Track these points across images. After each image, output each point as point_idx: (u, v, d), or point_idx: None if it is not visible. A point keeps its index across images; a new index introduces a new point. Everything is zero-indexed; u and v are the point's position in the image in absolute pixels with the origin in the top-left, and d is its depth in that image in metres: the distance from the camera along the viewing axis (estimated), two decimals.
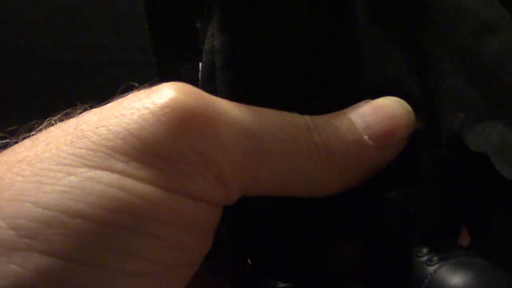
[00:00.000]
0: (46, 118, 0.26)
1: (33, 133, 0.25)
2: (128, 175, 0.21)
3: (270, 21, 0.25)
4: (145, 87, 0.23)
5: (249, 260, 0.27)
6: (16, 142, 0.24)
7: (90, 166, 0.20)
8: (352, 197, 0.25)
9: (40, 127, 0.26)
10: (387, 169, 0.24)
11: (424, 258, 0.22)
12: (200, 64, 0.26)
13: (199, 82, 0.26)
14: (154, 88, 0.22)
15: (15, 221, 0.19)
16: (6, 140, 0.26)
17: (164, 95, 0.22)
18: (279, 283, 0.26)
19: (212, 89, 0.25)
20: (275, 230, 0.26)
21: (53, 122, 0.25)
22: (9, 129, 0.26)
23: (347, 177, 0.24)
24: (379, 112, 0.24)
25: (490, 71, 0.24)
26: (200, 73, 0.26)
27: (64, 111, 0.26)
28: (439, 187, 0.24)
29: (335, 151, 0.23)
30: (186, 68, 0.27)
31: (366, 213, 0.25)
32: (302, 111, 0.24)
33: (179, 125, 0.21)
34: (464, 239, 0.24)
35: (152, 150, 0.21)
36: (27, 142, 0.23)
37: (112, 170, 0.20)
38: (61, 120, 0.25)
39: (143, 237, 0.20)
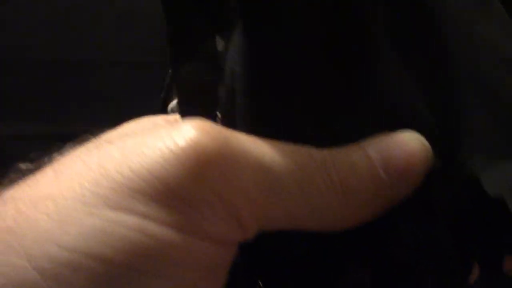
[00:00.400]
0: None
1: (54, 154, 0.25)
2: (149, 217, 0.21)
3: (291, 50, 0.25)
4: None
5: (260, 283, 0.27)
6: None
7: (112, 207, 0.21)
8: (365, 229, 0.25)
9: (60, 150, 0.26)
10: (402, 204, 0.25)
11: None
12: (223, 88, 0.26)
13: (219, 106, 0.26)
14: (176, 125, 0.23)
15: (40, 263, 0.20)
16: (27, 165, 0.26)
17: (185, 135, 0.22)
18: None
19: (231, 114, 0.25)
20: (287, 255, 0.26)
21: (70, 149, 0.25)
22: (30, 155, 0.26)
23: (362, 213, 0.24)
24: (397, 148, 0.24)
25: None
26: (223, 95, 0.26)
27: (81, 138, 0.26)
28: (453, 224, 0.24)
29: (352, 188, 0.24)
30: (186, 71, 0.27)
31: (378, 245, 0.25)
32: (318, 138, 0.24)
33: (200, 167, 0.22)
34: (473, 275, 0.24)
35: (173, 193, 0.21)
36: (49, 173, 0.23)
37: (134, 212, 0.21)
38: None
39: (162, 279, 0.21)
